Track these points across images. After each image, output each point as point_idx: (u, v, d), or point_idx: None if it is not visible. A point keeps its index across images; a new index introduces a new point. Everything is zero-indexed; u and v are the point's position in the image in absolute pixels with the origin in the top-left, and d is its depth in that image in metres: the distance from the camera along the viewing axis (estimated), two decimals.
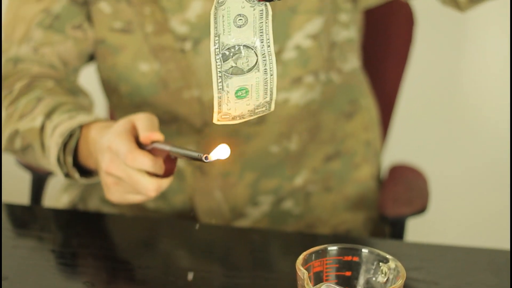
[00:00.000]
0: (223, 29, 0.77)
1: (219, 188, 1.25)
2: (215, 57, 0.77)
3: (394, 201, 1.28)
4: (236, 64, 0.78)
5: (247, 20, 0.78)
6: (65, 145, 1.07)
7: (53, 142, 1.07)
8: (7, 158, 1.62)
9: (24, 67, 1.20)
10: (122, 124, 1.02)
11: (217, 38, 0.77)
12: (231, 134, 1.22)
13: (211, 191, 1.25)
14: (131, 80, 1.22)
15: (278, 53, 1.19)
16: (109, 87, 1.27)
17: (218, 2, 0.76)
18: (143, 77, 1.21)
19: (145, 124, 1.01)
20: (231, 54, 0.78)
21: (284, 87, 1.21)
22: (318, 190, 1.29)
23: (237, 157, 1.23)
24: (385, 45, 1.42)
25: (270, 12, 0.78)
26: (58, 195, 1.36)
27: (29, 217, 1.17)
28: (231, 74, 0.78)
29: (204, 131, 1.23)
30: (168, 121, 1.21)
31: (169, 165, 0.99)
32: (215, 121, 0.80)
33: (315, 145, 1.27)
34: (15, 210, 1.16)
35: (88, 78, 1.46)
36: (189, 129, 1.23)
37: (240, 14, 0.77)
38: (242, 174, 1.25)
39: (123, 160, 0.98)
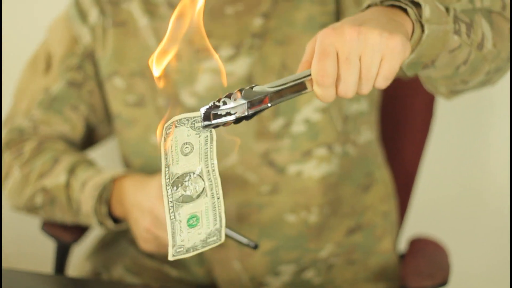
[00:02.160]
0: (172, 159, 0.78)
1: (237, 258, 1.26)
2: (166, 188, 0.78)
3: (416, 274, 1.28)
4: (185, 192, 0.79)
5: (193, 147, 0.79)
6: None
7: (87, 196, 1.19)
8: (31, 226, 1.65)
9: (29, 135, 1.31)
10: (160, 187, 1.08)
11: (167, 169, 0.78)
12: (243, 205, 1.24)
13: (229, 262, 1.26)
14: (143, 152, 1.28)
15: (286, 126, 1.22)
16: (125, 161, 1.34)
17: (166, 133, 0.77)
18: (154, 149, 1.26)
19: None
20: (180, 183, 0.79)
21: (295, 160, 1.23)
22: (341, 263, 1.30)
23: (252, 226, 1.25)
24: (404, 117, 1.44)
25: (215, 137, 0.80)
26: (81, 263, 1.38)
27: (53, 287, 1.19)
28: (181, 202, 0.79)
29: None
30: None
31: None
32: (170, 257, 0.80)
33: (337, 219, 1.28)
34: (39, 280, 1.19)
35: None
36: None
37: (186, 143, 0.78)
38: (259, 242, 1.25)
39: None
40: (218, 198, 0.81)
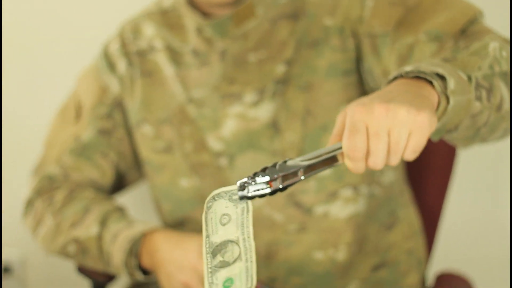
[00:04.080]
0: (212, 230, 0.83)
1: None
2: (206, 256, 0.83)
3: None
4: (223, 258, 0.84)
5: (230, 218, 0.83)
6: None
7: (118, 248, 1.23)
8: (67, 265, 1.69)
9: (60, 182, 1.35)
10: (199, 245, 1.19)
11: (207, 239, 0.83)
12: (271, 243, 1.27)
13: None
14: (173, 196, 1.32)
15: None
16: (156, 205, 1.38)
17: (207, 206, 0.82)
18: (183, 193, 1.30)
19: None
20: (219, 250, 0.84)
21: (321, 200, 1.25)
22: None
23: (281, 263, 1.28)
24: (428, 155, 1.44)
25: (251, 208, 0.84)
26: None
27: None
28: (219, 268, 0.84)
29: None
30: None
31: None
32: None
33: (361, 256, 1.30)
34: None
35: None
36: None
37: (224, 214, 0.83)
38: (287, 279, 1.28)
39: None
40: (251, 262, 0.86)
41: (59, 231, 1.31)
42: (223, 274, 0.84)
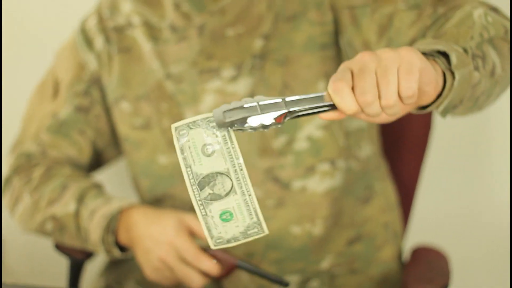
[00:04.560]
0: (193, 160, 0.81)
1: None
2: (192, 188, 0.81)
3: (417, 280, 1.31)
4: (213, 191, 0.81)
5: (214, 148, 0.81)
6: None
7: (95, 225, 1.23)
8: (45, 243, 1.68)
9: (38, 160, 1.35)
10: (177, 222, 1.20)
11: (188, 169, 0.81)
12: None
13: (237, 273, 1.29)
14: (151, 173, 1.32)
15: (289, 143, 1.25)
16: (134, 182, 1.38)
17: (179, 133, 0.80)
18: (162, 169, 1.31)
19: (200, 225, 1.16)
20: (207, 182, 0.81)
21: (299, 175, 1.26)
22: (343, 272, 1.33)
23: (259, 238, 1.29)
24: (403, 129, 1.46)
25: (233, 137, 0.81)
26: (95, 279, 1.42)
27: None
28: (210, 200, 0.81)
29: None
30: (188, 212, 1.27)
31: (226, 272, 1.18)
32: (212, 246, 0.83)
33: (337, 230, 1.31)
34: None
35: None
36: None
37: (206, 144, 0.81)
38: (265, 253, 1.29)
39: (187, 258, 1.17)
40: (250, 195, 0.82)
41: (37, 209, 1.31)
42: (216, 207, 0.82)
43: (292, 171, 1.26)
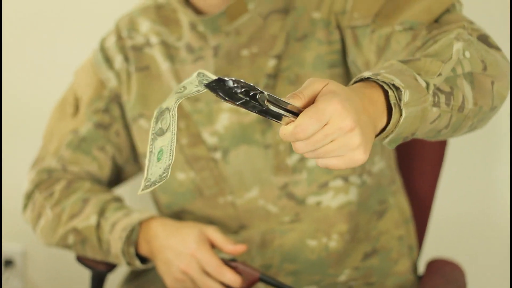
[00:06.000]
0: (169, 96, 0.81)
1: None
2: (153, 120, 0.81)
3: None
4: (161, 125, 0.82)
5: (184, 90, 0.80)
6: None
7: (116, 237, 1.26)
8: (67, 256, 1.71)
9: (58, 175, 1.37)
10: (198, 233, 1.22)
11: (162, 103, 0.81)
12: (266, 232, 1.31)
13: (258, 285, 1.30)
14: (169, 189, 1.34)
15: (302, 161, 1.27)
16: (153, 197, 1.41)
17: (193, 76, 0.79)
18: (180, 186, 1.33)
19: (221, 238, 1.22)
20: (161, 115, 0.82)
21: (313, 191, 1.28)
22: (360, 285, 1.34)
23: (275, 251, 1.31)
24: (418, 141, 1.46)
25: (201, 92, 0.79)
26: None
27: None
28: (157, 135, 0.82)
29: (240, 233, 1.32)
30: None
31: (248, 285, 1.20)
32: (139, 191, 0.83)
33: (353, 244, 1.32)
34: None
35: None
36: (225, 232, 1.32)
37: (184, 86, 0.80)
38: (282, 265, 1.31)
39: (209, 271, 1.19)
40: (174, 134, 0.83)
41: (59, 223, 1.34)
42: (159, 143, 0.82)
43: (306, 187, 1.28)
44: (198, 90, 0.79)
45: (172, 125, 0.83)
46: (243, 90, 0.77)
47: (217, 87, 0.76)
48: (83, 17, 1.90)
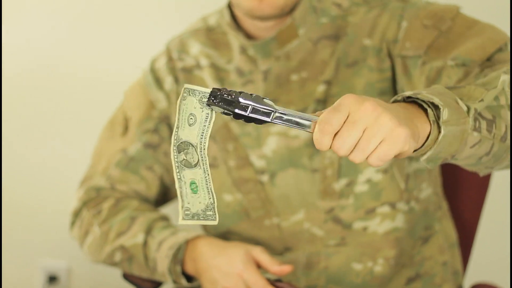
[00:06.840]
0: (182, 124, 0.84)
1: None
2: (173, 148, 0.84)
3: None
4: (186, 157, 0.84)
5: (196, 120, 0.85)
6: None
7: (163, 255, 1.27)
8: (111, 271, 1.73)
9: (107, 193, 1.39)
10: (245, 254, 1.23)
11: (176, 130, 0.84)
12: (312, 254, 1.31)
13: None
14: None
15: (349, 186, 1.28)
16: None
17: (183, 95, 0.84)
18: (226, 207, 1.34)
19: (267, 259, 1.23)
20: (182, 148, 0.84)
21: (359, 217, 1.29)
22: None
23: (320, 273, 1.32)
24: (463, 169, 1.44)
25: (213, 118, 0.85)
26: None
27: None
28: (184, 166, 0.84)
29: (285, 255, 1.33)
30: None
31: None
32: (180, 221, 0.84)
33: (398, 269, 1.33)
34: None
35: None
36: (271, 254, 1.32)
37: (192, 114, 0.84)
38: (326, 286, 1.32)
39: None
40: (208, 175, 0.86)
41: (106, 240, 1.35)
42: (188, 174, 0.84)
43: (352, 212, 1.29)
44: (207, 114, 0.85)
45: (204, 165, 0.86)
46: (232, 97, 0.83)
47: (219, 100, 0.83)
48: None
